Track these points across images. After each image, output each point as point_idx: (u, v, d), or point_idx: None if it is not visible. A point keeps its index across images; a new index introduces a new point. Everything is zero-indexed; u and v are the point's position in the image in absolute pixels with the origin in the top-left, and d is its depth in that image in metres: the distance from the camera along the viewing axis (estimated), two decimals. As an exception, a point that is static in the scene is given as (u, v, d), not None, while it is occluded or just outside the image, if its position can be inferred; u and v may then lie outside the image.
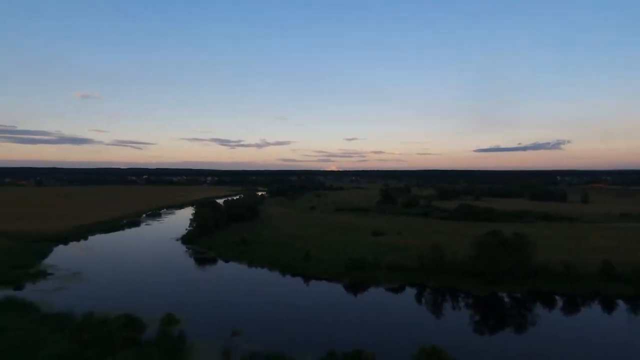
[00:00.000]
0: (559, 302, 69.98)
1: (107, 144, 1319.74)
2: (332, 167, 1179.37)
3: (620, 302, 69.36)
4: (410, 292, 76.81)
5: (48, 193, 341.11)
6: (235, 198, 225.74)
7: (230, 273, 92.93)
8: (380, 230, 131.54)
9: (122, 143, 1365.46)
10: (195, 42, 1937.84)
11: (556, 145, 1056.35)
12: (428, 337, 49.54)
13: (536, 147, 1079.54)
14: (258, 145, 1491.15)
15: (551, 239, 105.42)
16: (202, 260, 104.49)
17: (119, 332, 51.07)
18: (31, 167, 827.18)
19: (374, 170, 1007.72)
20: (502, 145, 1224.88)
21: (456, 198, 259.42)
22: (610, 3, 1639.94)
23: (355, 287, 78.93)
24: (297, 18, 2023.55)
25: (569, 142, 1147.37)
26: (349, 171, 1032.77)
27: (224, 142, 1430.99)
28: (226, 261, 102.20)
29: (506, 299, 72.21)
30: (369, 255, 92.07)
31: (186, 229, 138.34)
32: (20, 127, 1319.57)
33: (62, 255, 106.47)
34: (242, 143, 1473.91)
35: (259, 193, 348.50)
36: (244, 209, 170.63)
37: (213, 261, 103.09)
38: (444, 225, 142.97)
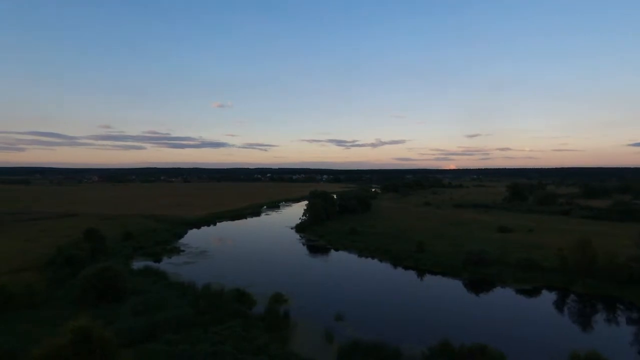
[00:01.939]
0: None
1: (239, 147, 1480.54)
2: (451, 166, 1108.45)
3: None
4: (548, 296, 63.72)
5: (191, 188, 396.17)
6: (348, 192, 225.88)
7: (339, 261, 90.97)
8: (506, 227, 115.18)
9: (251, 146, 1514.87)
10: (312, 49, 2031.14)
11: None
12: (569, 349, 38.90)
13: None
14: (373, 145, 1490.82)
15: None
16: (313, 247, 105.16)
17: (230, 304, 53.73)
18: (180, 168, 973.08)
19: (499, 169, 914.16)
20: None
21: (607, 197, 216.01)
22: None
23: (475, 285, 69.10)
24: (411, 14, 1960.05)
25: None
26: (470, 169, 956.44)
27: (340, 143, 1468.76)
28: (336, 249, 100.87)
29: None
30: (492, 251, 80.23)
31: (300, 219, 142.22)
32: (173, 134, 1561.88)
33: (195, 237, 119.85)
34: (357, 143, 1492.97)
35: (373, 189, 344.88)
36: (355, 202, 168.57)
37: (323, 249, 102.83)
38: (591, 225, 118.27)
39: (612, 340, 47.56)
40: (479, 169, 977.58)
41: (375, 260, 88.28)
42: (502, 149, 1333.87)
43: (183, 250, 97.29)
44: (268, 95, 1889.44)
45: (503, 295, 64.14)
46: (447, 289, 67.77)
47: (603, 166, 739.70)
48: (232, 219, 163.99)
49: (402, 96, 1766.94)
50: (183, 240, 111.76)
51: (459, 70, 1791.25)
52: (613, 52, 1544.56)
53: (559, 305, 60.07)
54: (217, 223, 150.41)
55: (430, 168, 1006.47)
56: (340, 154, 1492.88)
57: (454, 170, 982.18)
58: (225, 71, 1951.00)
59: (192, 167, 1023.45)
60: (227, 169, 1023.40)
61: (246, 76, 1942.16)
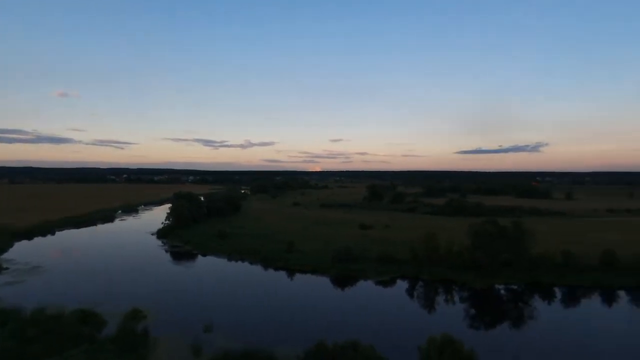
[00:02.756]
0: (560, 294, 65.41)
1: (87, 144, 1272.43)
2: (317, 168, 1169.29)
3: (622, 293, 65.26)
4: (402, 284, 71.14)
5: (19, 190, 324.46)
6: (215, 193, 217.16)
7: (206, 266, 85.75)
8: (367, 224, 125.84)
9: (103, 143, 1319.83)
10: (179, 43, 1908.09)
11: (535, 147, 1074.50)
12: (424, 330, 43.67)
13: (516, 149, 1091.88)
14: (242, 146, 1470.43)
15: (549, 233, 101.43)
16: (177, 253, 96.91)
17: (71, 327, 45.07)
18: (6, 167, 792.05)
19: (358, 171, 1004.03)
20: (484, 147, 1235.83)
21: (443, 196, 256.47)
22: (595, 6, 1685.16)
23: (342, 280, 72.87)
24: (282, 18, 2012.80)
25: (547, 144, 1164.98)
26: (333, 172, 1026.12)
27: (207, 143, 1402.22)
28: (204, 254, 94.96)
29: (505, 292, 67.23)
30: (356, 248, 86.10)
31: (162, 223, 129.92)
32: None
33: (24, 250, 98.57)
34: (226, 143, 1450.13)
35: (242, 191, 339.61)
36: (224, 203, 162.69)
37: (189, 254, 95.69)
38: (433, 220, 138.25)
39: (451, 315, 55.43)
40: (341, 171, 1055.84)
41: (246, 263, 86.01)
42: (361, 153, 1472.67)
43: (6, 268, 78.51)
44: (123, 87, 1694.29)
45: (366, 288, 69.10)
46: (318, 287, 69.85)
47: (440, 170, 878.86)
48: (77, 226, 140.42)
49: (273, 98, 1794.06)
50: (7, 256, 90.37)
51: (325, 76, 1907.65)
52: (450, 72, 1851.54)
53: (411, 292, 67.71)
54: (57, 232, 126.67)
55: (298, 170, 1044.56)
56: (208, 154, 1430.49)
57: (319, 172, 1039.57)
58: (68, 56, 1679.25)
59: (23, 165, 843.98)
60: (71, 168, 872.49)
61: (97, 64, 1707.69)
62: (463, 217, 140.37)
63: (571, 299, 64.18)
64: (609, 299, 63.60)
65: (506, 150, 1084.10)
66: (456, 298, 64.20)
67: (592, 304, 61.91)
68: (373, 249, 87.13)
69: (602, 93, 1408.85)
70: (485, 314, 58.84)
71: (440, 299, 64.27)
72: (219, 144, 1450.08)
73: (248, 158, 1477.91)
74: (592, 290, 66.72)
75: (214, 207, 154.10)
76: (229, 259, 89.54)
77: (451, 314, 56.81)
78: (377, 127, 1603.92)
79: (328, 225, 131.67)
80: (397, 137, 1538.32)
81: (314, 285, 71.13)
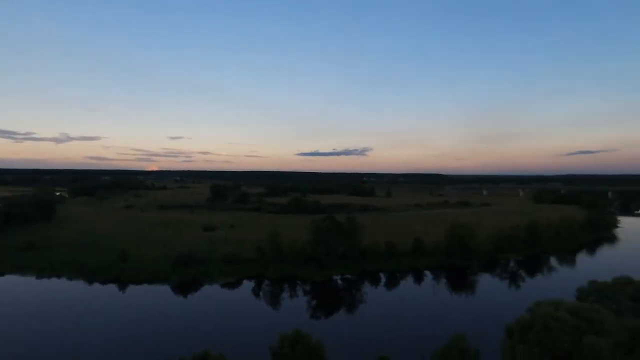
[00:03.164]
0: (384, 279, 75.84)
1: None
2: (154, 167, 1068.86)
3: (428, 273, 79.86)
4: (249, 285, 70.89)
5: None
6: (20, 196, 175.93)
7: (4, 290, 68.31)
8: (211, 225, 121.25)
9: None
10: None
11: (362, 151, 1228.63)
12: (274, 328, 44.46)
13: (347, 152, 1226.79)
14: (57, 140, 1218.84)
15: (374, 226, 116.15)
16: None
17: None
18: None
19: (200, 171, 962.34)
20: (321, 150, 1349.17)
21: (285, 195, 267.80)
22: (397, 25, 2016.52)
23: (185, 287, 68.15)
24: (124, 4, 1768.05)
25: (372, 149, 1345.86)
26: (173, 171, 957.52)
27: (6, 134, 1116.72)
28: (1, 274, 75.39)
29: (342, 281, 74.12)
30: (200, 250, 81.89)
31: None
32: None
33: None
34: (33, 136, 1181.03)
35: (57, 193, 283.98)
36: (32, 208, 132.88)
37: (-27, 276, 74.41)
38: (276, 219, 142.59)
39: (296, 310, 58.23)
40: (181, 170, 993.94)
41: (63, 280, 71.97)
42: (203, 153, 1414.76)
43: None
44: None
45: (212, 292, 66.33)
46: (159, 298, 63.54)
47: (282, 170, 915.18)
48: None
49: (98, 88, 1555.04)
50: None
51: (162, 70, 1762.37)
52: (289, 75, 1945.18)
53: (257, 291, 68.13)
54: None
55: (131, 169, 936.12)
56: (7, 148, 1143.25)
57: (157, 171, 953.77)
58: None
59: None
60: None
61: None
62: (304, 214, 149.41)
63: (392, 281, 75.02)
64: (418, 278, 76.88)
65: (339, 154, 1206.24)
66: (300, 292, 67.55)
67: (407, 283, 73.78)
68: (218, 250, 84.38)
69: (411, 108, 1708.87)
70: (326, 304, 63.64)
71: (285, 295, 66.55)
72: (22, 136, 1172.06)
73: (65, 155, 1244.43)
74: (407, 272, 79.59)
75: (17, 213, 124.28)
76: (39, 276, 73.43)
77: (296, 309, 59.48)
78: (220, 126, 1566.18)
79: (169, 227, 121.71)
80: (240, 138, 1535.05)
81: (154, 296, 64.44)
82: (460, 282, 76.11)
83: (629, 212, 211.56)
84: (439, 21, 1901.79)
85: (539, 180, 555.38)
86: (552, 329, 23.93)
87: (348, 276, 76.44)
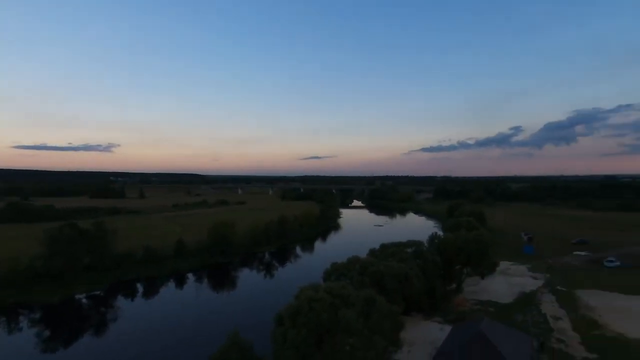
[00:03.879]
0: (143, 288, 68.74)
1: None
2: None
3: (192, 275, 77.74)
4: None
5: None
6: None
7: None
8: None
9: None
10: None
11: (108, 147, 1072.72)
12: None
13: (88, 148, 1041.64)
14: None
15: (129, 230, 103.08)
16: None
17: None
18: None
19: None
20: (50, 144, 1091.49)
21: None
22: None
23: None
24: None
25: (119, 145, 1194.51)
26: None
27: None
28: None
29: (88, 300, 62.26)
30: None
31: None
32: None
33: None
34: None
35: None
36: None
37: None
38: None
39: (20, 348, 44.82)
40: None
41: None
42: None
43: None
44: None
45: None
46: None
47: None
48: None
49: None
50: None
51: None
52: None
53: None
54: None
55: None
56: None
57: None
58: None
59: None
60: None
61: None
62: (29, 223, 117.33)
63: (152, 289, 68.74)
64: (182, 281, 73.58)
65: (77, 149, 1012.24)
66: (24, 324, 52.44)
67: (169, 289, 69.29)
68: None
69: (164, 105, 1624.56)
70: (64, 330, 51.76)
71: (3, 331, 50.20)
72: None
73: None
74: (170, 277, 74.76)
75: None
76: None
77: (18, 347, 45.77)
78: None
79: None
80: None
81: None
82: (224, 278, 77.65)
83: (346, 205, 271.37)
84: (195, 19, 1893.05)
85: (283, 180, 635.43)
86: (315, 309, 27.42)
87: (97, 292, 64.98)
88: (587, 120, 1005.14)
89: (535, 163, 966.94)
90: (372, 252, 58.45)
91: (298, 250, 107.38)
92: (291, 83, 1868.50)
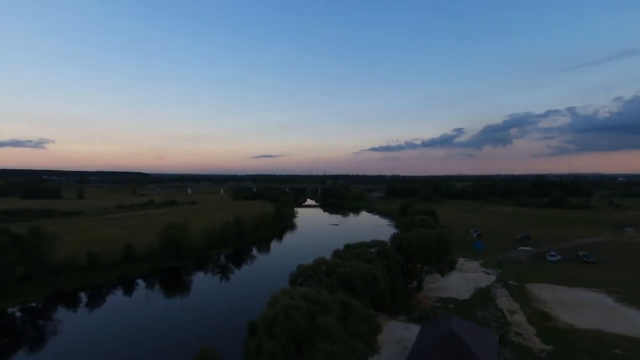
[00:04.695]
0: (85, 298, 63.05)
1: None
2: None
3: (141, 282, 72.69)
4: None
5: None
6: None
7: None
8: None
9: None
10: None
11: (40, 143, 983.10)
12: None
13: (16, 144, 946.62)
14: None
15: (68, 234, 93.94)
16: None
17: None
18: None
19: None
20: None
21: None
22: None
23: None
24: None
25: (53, 141, 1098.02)
26: None
27: None
28: None
29: (22, 313, 55.87)
30: None
31: None
32: None
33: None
34: None
35: None
36: None
37: None
38: None
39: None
40: None
41: None
42: None
43: None
44: None
45: None
46: None
47: None
48: None
49: None
50: None
51: None
52: None
53: None
54: None
55: None
56: None
57: None
58: None
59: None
60: None
61: None
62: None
63: (98, 298, 63.24)
64: (130, 288, 68.49)
65: (3, 144, 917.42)
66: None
67: (117, 298, 64.13)
68: None
69: (102, 99, 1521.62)
70: (-2, 349, 45.93)
71: None
72: None
73: None
74: (118, 284, 69.27)
75: None
76: None
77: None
78: None
79: None
80: None
81: None
82: (178, 284, 73.42)
83: (299, 204, 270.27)
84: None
85: (234, 179, 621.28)
86: (293, 317, 26.07)
87: (33, 304, 58.53)
88: (520, 123, 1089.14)
89: (475, 163, 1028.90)
90: (337, 253, 57.92)
91: (255, 251, 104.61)
92: (239, 79, 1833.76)
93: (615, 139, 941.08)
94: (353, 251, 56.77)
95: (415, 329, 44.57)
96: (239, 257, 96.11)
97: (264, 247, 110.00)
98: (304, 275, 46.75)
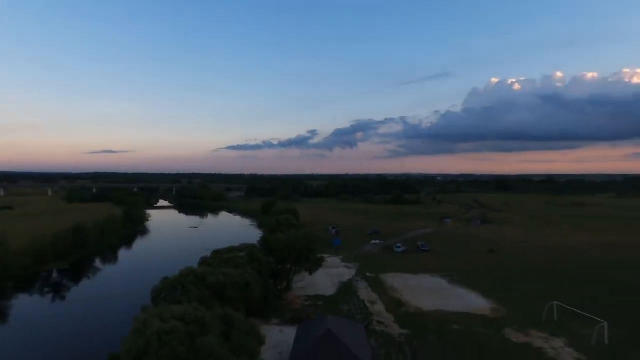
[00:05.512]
0: None
1: None
2: None
3: None
4: None
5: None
6: None
7: None
8: None
9: None
10: None
11: None
12: None
13: None
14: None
15: None
16: None
17: None
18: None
19: None
20: None
21: None
22: None
23: None
24: None
25: None
26: None
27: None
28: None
29: None
30: None
31: None
32: None
33: None
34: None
35: None
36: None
37: None
38: None
39: None
40: None
41: None
42: None
43: None
44: None
45: None
46: None
47: None
48: None
49: None
50: None
51: None
52: None
53: None
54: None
55: None
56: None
57: None
58: None
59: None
60: None
61: None
62: None
63: None
64: None
65: None
66: None
67: None
68: None
69: None
70: None
71: None
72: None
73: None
74: None
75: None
76: None
77: None
78: None
79: None
80: None
81: None
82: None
83: (151, 206, 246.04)
84: None
85: (67, 178, 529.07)
86: (169, 343, 22.54)
87: None
88: (364, 128, 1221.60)
89: (327, 163, 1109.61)
90: (205, 260, 53.96)
91: (99, 263, 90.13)
92: (68, 58, 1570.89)
93: (434, 145, 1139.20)
94: (222, 257, 53.65)
95: (289, 331, 44.56)
96: (78, 272, 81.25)
97: (112, 258, 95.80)
98: (169, 287, 41.87)
